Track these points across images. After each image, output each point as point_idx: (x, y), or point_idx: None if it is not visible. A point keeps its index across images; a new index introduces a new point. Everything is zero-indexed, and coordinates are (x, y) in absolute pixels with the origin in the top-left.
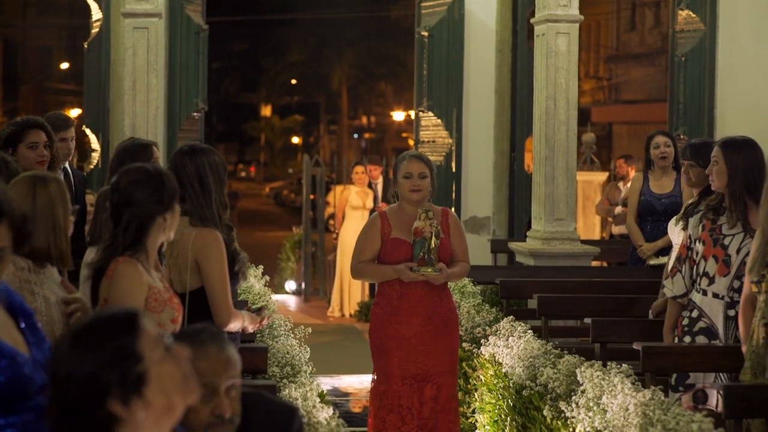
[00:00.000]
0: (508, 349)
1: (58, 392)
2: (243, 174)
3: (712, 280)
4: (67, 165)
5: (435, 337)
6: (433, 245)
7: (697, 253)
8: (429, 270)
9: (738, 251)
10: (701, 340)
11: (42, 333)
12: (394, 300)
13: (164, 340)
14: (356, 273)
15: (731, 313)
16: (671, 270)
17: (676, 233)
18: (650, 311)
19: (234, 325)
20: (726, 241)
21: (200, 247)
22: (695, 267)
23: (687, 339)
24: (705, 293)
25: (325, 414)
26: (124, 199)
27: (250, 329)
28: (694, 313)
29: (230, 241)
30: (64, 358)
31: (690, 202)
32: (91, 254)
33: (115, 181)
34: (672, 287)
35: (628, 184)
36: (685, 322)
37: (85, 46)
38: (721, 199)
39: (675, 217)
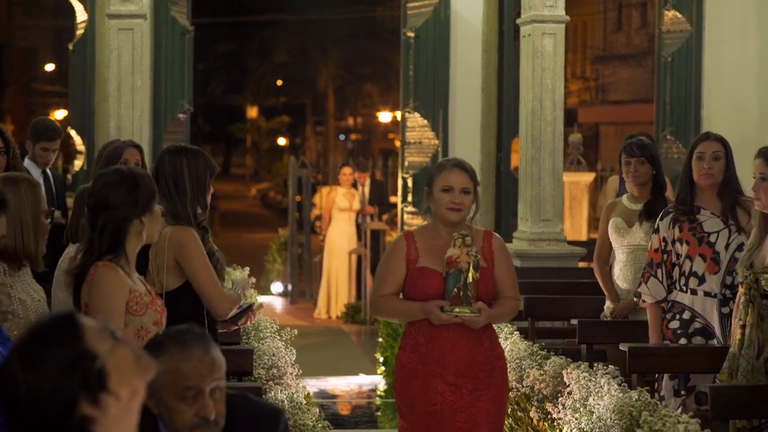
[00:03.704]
0: None
1: (23, 415)
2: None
3: (702, 279)
4: (47, 169)
5: (474, 391)
6: (471, 279)
7: (678, 255)
8: (465, 310)
9: (726, 247)
10: (698, 341)
11: (5, 333)
12: (421, 346)
13: (108, 329)
14: (376, 309)
15: (725, 310)
16: (643, 275)
17: (638, 233)
18: (606, 315)
19: (233, 309)
20: (712, 239)
21: (177, 245)
22: (677, 268)
23: (683, 341)
24: (695, 293)
25: (311, 416)
26: (99, 202)
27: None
28: (686, 315)
29: (204, 243)
30: (19, 381)
31: (646, 202)
32: (70, 253)
33: (90, 185)
34: (650, 292)
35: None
36: (675, 325)
37: (70, 47)
38: (692, 197)
39: (618, 218)
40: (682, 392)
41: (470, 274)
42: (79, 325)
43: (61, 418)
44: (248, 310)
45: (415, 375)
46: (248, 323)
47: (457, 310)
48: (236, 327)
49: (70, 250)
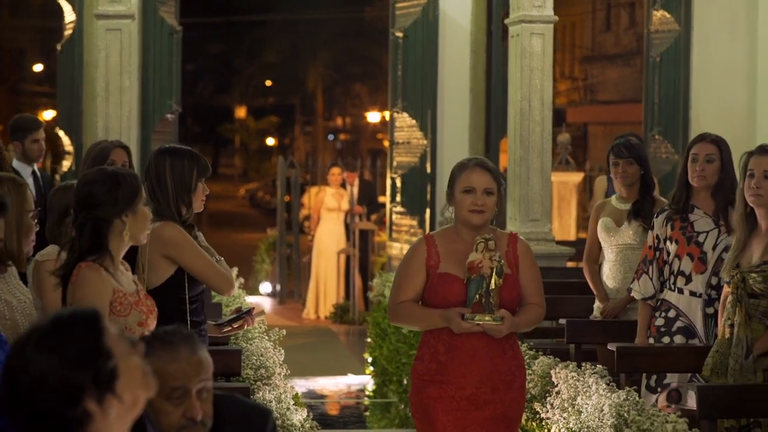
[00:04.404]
0: None
1: (27, 397)
2: None
3: (689, 279)
4: (35, 167)
5: (492, 402)
6: (494, 286)
7: (668, 253)
8: (487, 318)
9: (714, 248)
10: (679, 340)
11: (2, 336)
12: (440, 355)
13: (127, 336)
14: (394, 316)
15: (710, 311)
16: (637, 272)
17: (627, 233)
18: (598, 314)
19: (234, 281)
20: (700, 239)
21: (162, 241)
22: (668, 266)
23: (666, 340)
24: (681, 292)
25: (299, 416)
26: (80, 201)
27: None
28: (671, 313)
29: (192, 238)
30: (32, 363)
31: (634, 201)
32: (46, 255)
33: (75, 185)
34: (639, 289)
35: None
36: (661, 322)
37: (58, 47)
38: (686, 197)
39: (607, 218)
40: (658, 389)
41: (493, 281)
42: (102, 324)
43: (64, 407)
44: (247, 314)
45: (432, 385)
46: (245, 328)
47: (478, 318)
48: (232, 331)
49: (50, 251)
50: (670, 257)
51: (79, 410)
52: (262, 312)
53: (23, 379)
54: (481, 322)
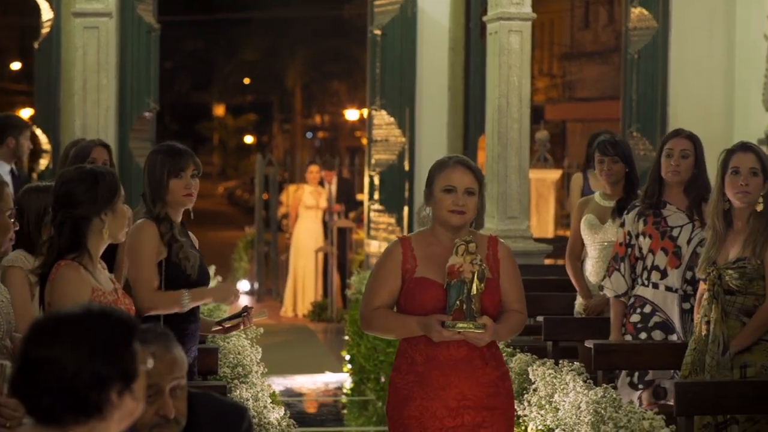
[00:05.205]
0: None
1: (55, 383)
2: None
3: (664, 274)
4: (13, 166)
5: (478, 416)
6: (475, 291)
7: (640, 249)
8: (469, 326)
9: (688, 242)
10: (658, 335)
11: None
12: (418, 365)
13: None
14: (367, 324)
15: (686, 306)
16: (608, 269)
17: (611, 230)
18: (581, 310)
19: (163, 310)
20: (675, 233)
21: (129, 236)
22: (641, 262)
23: (643, 335)
24: (657, 287)
25: (276, 414)
26: (59, 200)
27: (230, 301)
28: (647, 309)
29: (165, 232)
30: (67, 353)
31: (618, 199)
32: (12, 258)
33: (54, 184)
34: (612, 286)
35: None
36: (637, 319)
37: (36, 46)
38: (659, 192)
39: (591, 215)
40: (640, 386)
41: (474, 286)
42: (136, 327)
43: (91, 390)
44: (244, 315)
45: (411, 398)
46: (241, 328)
47: (459, 325)
48: (223, 331)
49: (16, 256)
50: (644, 252)
51: (102, 396)
52: (264, 312)
53: (54, 367)
54: (462, 330)
